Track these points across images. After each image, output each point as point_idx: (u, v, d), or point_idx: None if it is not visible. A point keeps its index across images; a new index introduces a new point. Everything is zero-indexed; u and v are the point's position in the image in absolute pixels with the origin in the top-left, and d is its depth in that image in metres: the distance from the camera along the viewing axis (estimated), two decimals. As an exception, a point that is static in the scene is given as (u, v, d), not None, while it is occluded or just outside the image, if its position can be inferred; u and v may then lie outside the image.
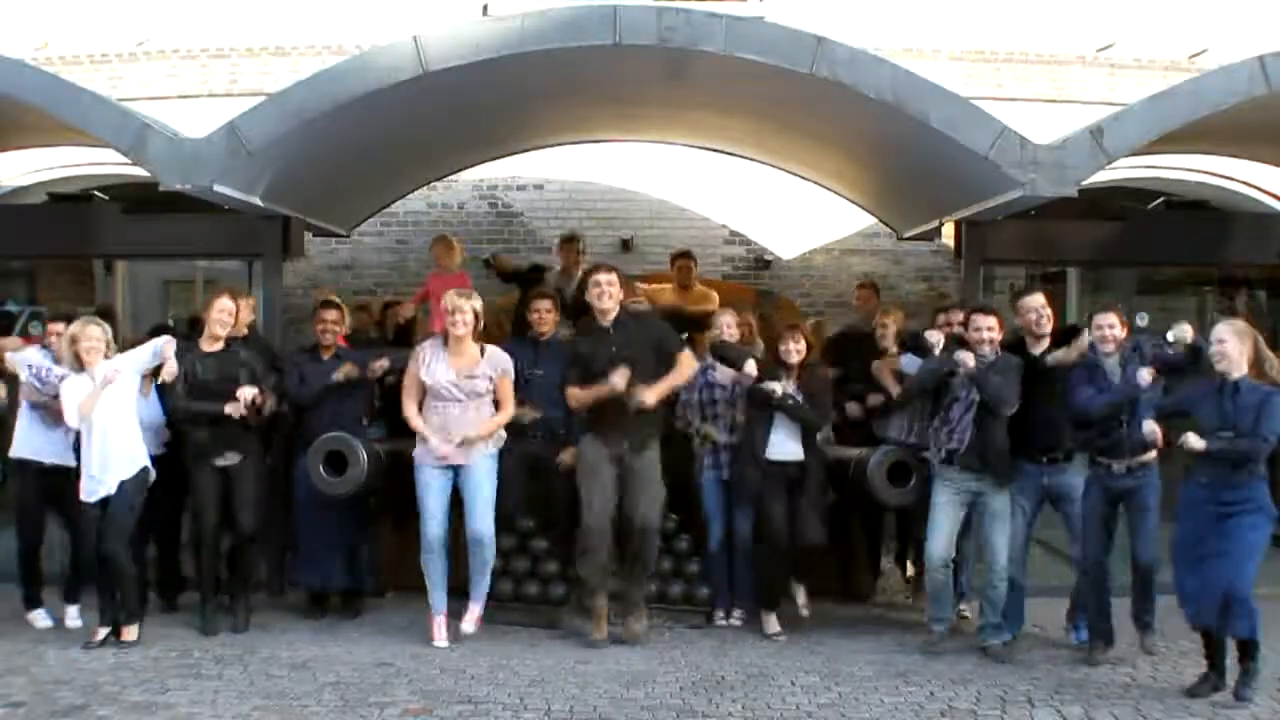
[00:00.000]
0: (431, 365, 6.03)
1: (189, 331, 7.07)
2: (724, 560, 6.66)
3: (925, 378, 6.08)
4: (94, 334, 5.90)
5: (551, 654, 6.02)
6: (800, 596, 6.60)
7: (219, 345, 6.28)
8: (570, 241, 8.18)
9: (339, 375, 6.54)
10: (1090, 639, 5.95)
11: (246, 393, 6.09)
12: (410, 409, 6.08)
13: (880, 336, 7.05)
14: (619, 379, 5.93)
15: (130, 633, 5.99)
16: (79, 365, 5.89)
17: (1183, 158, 8.62)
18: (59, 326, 6.36)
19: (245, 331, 6.68)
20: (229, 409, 6.06)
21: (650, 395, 5.96)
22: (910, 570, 7.44)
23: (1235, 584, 5.14)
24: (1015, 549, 5.98)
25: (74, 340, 5.89)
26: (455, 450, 5.97)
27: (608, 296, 6.09)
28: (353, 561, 6.68)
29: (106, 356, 5.92)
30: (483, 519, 6.05)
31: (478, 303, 6.09)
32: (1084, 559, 5.87)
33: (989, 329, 5.91)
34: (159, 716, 4.96)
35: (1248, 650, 5.25)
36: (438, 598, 6.14)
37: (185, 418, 6.25)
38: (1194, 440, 5.18)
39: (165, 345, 6.01)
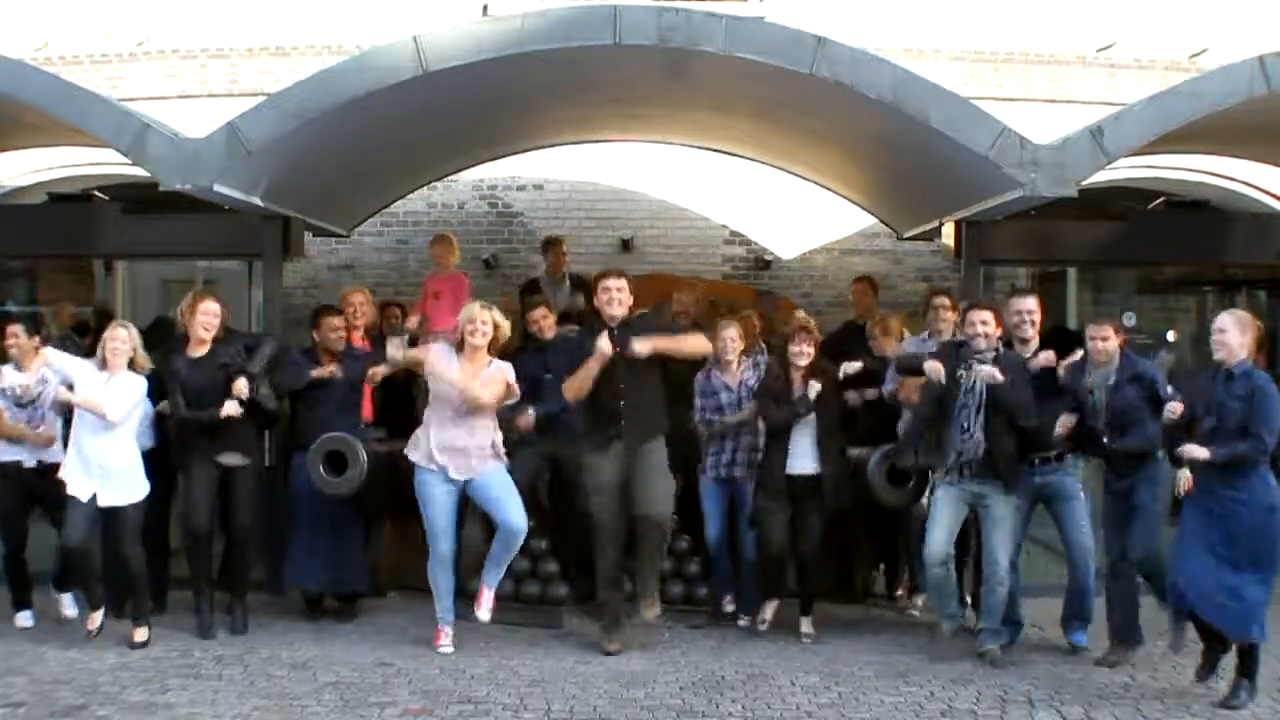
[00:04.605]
0: (442, 371, 5.97)
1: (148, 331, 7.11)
2: (724, 559, 6.68)
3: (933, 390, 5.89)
4: (121, 336, 5.99)
5: (551, 654, 6.02)
6: (805, 626, 6.37)
7: (204, 350, 6.30)
8: (554, 244, 8.47)
9: (317, 372, 6.53)
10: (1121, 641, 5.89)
11: (241, 386, 6.12)
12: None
13: (873, 348, 7.03)
14: (604, 344, 5.88)
15: (141, 634, 6.00)
16: (103, 364, 5.97)
17: (1183, 158, 8.61)
18: (16, 328, 6.35)
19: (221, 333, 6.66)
20: (226, 411, 6.08)
21: (643, 345, 5.87)
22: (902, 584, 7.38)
23: (1244, 588, 5.10)
24: (1013, 553, 5.95)
25: (104, 340, 5.99)
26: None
27: (617, 303, 6.04)
28: (350, 563, 6.66)
29: (130, 363, 5.98)
30: (516, 514, 5.99)
31: (499, 315, 6.04)
32: (1132, 559, 5.76)
33: (983, 323, 5.81)
34: (159, 716, 4.97)
35: (1248, 655, 5.21)
36: (445, 607, 6.10)
37: (186, 425, 6.23)
38: (1196, 450, 5.10)
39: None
